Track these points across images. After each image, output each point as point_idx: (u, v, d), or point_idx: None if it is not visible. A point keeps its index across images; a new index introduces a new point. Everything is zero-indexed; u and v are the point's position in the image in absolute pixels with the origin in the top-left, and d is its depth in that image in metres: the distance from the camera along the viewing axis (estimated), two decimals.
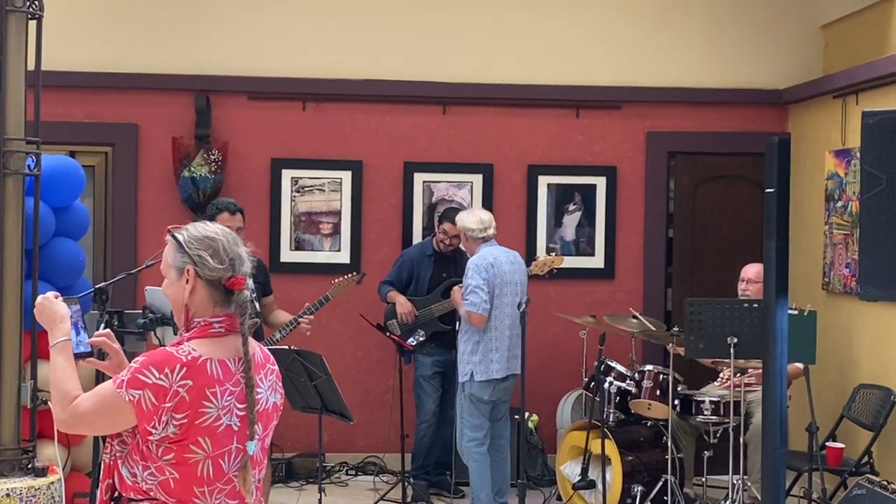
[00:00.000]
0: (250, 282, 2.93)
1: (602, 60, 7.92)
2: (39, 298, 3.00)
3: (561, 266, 7.22)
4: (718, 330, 5.96)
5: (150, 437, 2.73)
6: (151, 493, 2.77)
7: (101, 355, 3.09)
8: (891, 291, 3.86)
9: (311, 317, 6.38)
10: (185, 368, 2.74)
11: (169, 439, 2.73)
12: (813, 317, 5.90)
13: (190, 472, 2.76)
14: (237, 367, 2.83)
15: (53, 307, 2.97)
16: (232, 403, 2.80)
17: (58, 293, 3.04)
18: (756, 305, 5.93)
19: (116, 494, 2.85)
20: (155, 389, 2.71)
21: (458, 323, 6.66)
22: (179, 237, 2.89)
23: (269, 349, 5.78)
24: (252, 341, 2.90)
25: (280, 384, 3.04)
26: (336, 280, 6.59)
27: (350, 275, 6.69)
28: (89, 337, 3.05)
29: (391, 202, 7.92)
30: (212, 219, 6.11)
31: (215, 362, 2.79)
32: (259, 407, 2.86)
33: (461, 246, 6.84)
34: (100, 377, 5.22)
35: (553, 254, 7.35)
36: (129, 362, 2.93)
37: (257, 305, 6.20)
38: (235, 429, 2.80)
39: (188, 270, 2.85)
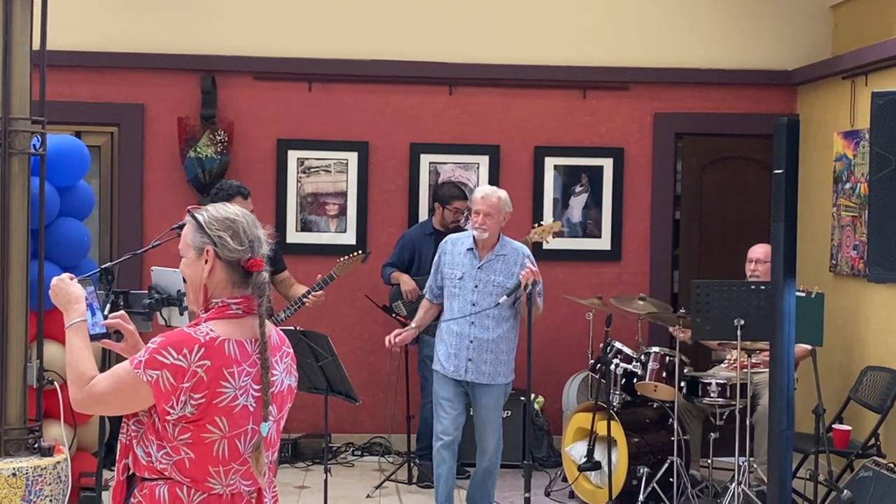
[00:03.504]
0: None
1: (609, 41, 7.89)
2: (55, 280, 3.00)
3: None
4: (725, 312, 5.94)
5: (168, 417, 2.74)
6: (166, 473, 2.78)
7: (117, 337, 3.09)
8: None
9: (321, 293, 6.40)
10: (203, 349, 2.76)
11: (186, 419, 2.74)
12: (820, 299, 5.88)
13: (206, 451, 2.77)
14: (254, 349, 2.85)
15: (69, 288, 2.97)
16: (248, 384, 2.81)
17: (73, 274, 3.04)
18: (763, 287, 5.91)
19: (130, 473, 2.86)
20: (173, 370, 2.72)
21: (468, 320, 5.84)
22: (200, 218, 2.90)
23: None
24: (268, 323, 2.91)
25: (295, 367, 3.06)
26: (341, 259, 6.58)
27: (355, 253, 6.68)
28: (104, 318, 3.05)
29: (397, 183, 7.90)
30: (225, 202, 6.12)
31: (233, 343, 2.81)
32: (274, 389, 2.87)
33: (481, 226, 5.84)
34: (106, 358, 5.23)
35: (551, 220, 7.23)
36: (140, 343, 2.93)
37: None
38: (251, 409, 2.81)
39: (208, 251, 2.87)
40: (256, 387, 2.82)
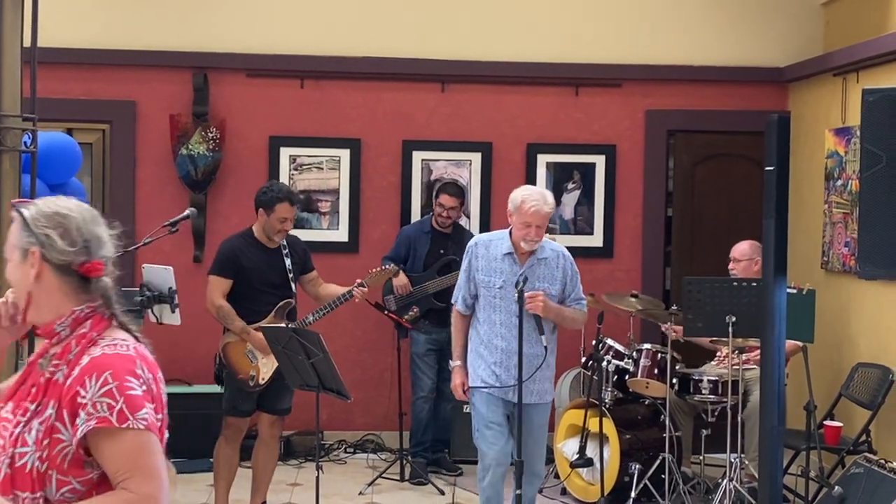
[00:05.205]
0: (111, 267, 2.54)
1: (602, 38, 7.88)
2: None
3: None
4: (717, 308, 5.95)
5: None
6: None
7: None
8: (890, 270, 3.86)
9: (366, 288, 6.15)
10: (140, 360, 2.46)
11: None
12: (811, 295, 5.90)
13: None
14: None
15: None
16: None
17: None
18: (754, 284, 5.92)
19: None
20: (147, 396, 2.43)
21: (536, 336, 5.33)
22: (26, 213, 2.48)
23: (266, 327, 5.77)
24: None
25: None
26: (373, 270, 6.40)
27: (388, 266, 6.57)
28: None
29: (389, 180, 7.90)
30: (270, 205, 5.86)
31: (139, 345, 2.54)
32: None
33: (533, 240, 5.31)
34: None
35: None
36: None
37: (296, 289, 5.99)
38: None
39: (33, 252, 2.44)
40: None
